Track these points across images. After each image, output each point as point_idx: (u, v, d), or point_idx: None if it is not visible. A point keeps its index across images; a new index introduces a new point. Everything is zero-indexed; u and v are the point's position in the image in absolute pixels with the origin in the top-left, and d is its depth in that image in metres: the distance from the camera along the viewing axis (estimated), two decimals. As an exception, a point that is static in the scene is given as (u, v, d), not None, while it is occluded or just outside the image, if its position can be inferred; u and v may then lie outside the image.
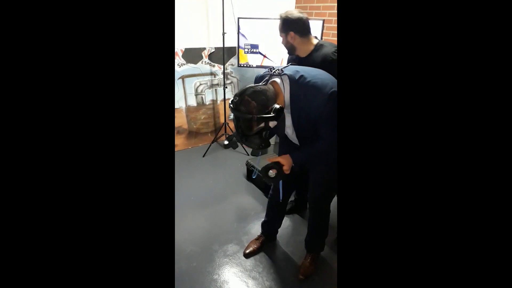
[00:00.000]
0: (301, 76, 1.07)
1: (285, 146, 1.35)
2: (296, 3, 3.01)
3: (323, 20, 2.20)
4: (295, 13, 1.39)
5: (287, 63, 1.55)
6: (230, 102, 1.05)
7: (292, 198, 2.01)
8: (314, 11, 2.78)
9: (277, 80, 1.10)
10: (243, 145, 2.85)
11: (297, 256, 1.68)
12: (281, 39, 1.48)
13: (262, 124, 1.05)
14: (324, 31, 2.25)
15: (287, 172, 1.17)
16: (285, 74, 1.09)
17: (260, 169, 1.24)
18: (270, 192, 1.60)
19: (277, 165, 1.17)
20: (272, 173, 1.18)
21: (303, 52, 1.46)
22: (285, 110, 1.14)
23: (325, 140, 1.11)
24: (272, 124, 1.08)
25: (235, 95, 1.03)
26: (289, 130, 1.22)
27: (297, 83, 1.07)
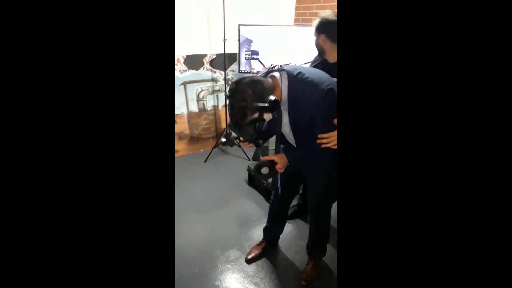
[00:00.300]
0: (300, 72, 1.08)
1: (281, 146, 1.35)
2: (296, 10, 3.05)
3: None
4: (331, 16, 1.32)
5: (311, 64, 1.54)
6: (227, 90, 1.04)
7: (294, 202, 2.01)
8: (313, 18, 2.81)
9: (276, 74, 1.11)
10: (243, 149, 2.86)
11: (299, 261, 1.67)
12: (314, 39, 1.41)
13: (256, 115, 1.04)
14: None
15: (281, 171, 1.17)
16: (283, 70, 1.10)
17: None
18: (272, 197, 1.60)
19: (270, 163, 1.17)
20: (265, 170, 1.18)
21: (331, 57, 1.40)
22: (282, 108, 1.14)
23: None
24: (266, 116, 1.07)
25: (232, 83, 1.04)
26: (286, 128, 1.23)
27: (295, 79, 1.08)
